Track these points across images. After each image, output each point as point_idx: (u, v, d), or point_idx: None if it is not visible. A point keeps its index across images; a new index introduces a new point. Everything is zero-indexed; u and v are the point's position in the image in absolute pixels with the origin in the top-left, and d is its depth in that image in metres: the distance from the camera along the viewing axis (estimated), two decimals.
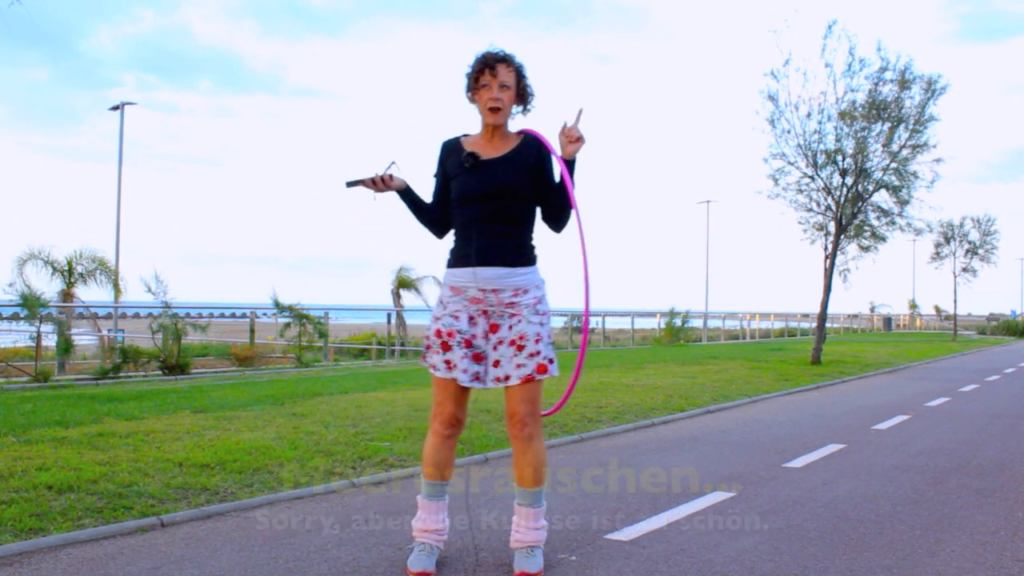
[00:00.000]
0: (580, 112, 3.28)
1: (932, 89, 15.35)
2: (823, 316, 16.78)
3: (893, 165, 15.72)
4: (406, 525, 3.94)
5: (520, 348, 3.21)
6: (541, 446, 3.34)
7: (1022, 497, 4.86)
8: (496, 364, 3.24)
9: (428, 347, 3.33)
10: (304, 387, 9.00)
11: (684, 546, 3.70)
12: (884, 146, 15.53)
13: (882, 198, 16.35)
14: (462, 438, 5.99)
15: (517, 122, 3.42)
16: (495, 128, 3.32)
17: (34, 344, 11.76)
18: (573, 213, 3.31)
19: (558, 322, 23.97)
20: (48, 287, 17.27)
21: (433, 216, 3.45)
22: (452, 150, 3.38)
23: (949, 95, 15.68)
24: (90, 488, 4.24)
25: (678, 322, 25.79)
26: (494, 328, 3.26)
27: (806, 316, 38.74)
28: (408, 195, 3.42)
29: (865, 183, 15.79)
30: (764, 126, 15.88)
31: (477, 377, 3.26)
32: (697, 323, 29.81)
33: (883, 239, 16.71)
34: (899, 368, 16.34)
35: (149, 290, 12.21)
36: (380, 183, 3.33)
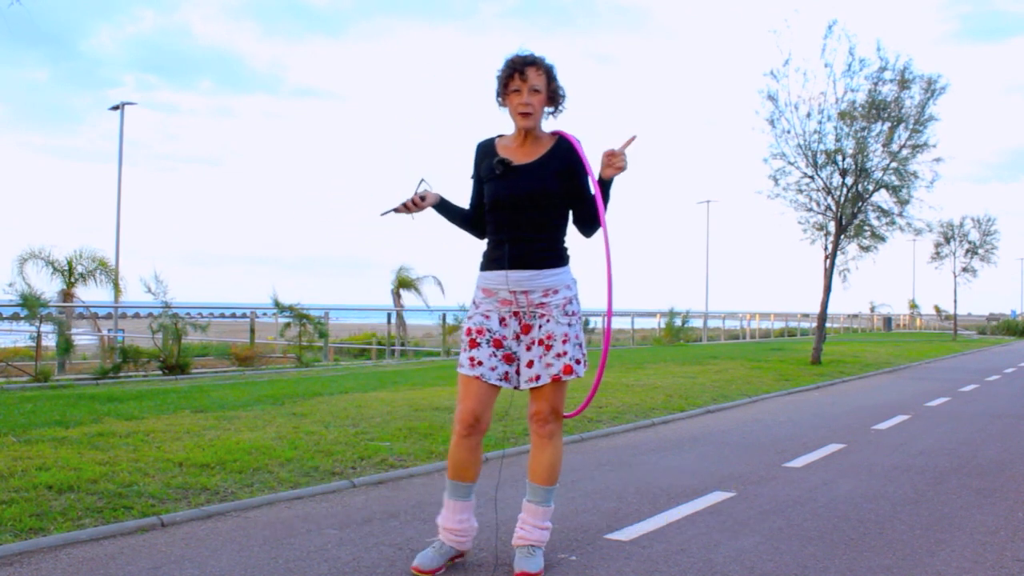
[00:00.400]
0: (632, 139, 3.22)
1: (932, 89, 15.35)
2: (823, 316, 16.78)
3: (893, 165, 15.72)
4: (406, 525, 3.95)
5: (548, 348, 3.24)
6: (559, 446, 3.36)
7: (1022, 497, 4.86)
8: (529, 365, 3.28)
9: (461, 349, 3.38)
10: (304, 387, 9.00)
11: (684, 546, 3.70)
12: (884, 146, 15.53)
13: (882, 198, 16.36)
14: None
15: (550, 123, 3.40)
16: (527, 132, 3.31)
17: (34, 344, 11.76)
18: (600, 225, 3.28)
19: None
20: (48, 287, 17.32)
21: (472, 220, 3.46)
22: (486, 153, 3.39)
23: (949, 95, 15.68)
24: (90, 488, 4.24)
25: (678, 322, 25.79)
26: (526, 329, 3.29)
27: (806, 316, 38.74)
28: (444, 207, 3.42)
29: (865, 183, 15.78)
30: (764, 126, 15.89)
31: (506, 377, 3.29)
32: (697, 323, 29.81)
33: (883, 239, 16.71)
34: (899, 368, 16.34)
35: (149, 290, 12.22)
36: (412, 206, 3.31)
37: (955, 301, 36.70)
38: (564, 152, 3.30)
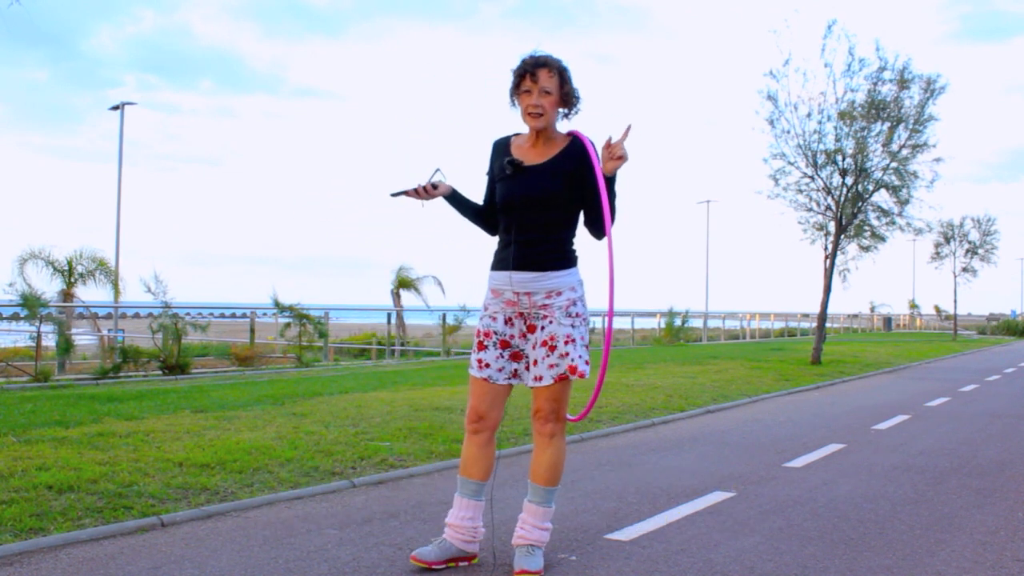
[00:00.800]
0: (628, 129, 3.21)
1: (931, 89, 15.36)
2: (823, 316, 16.78)
3: (893, 165, 15.72)
4: (406, 525, 3.95)
5: (551, 349, 3.26)
6: (561, 447, 3.37)
7: (1022, 497, 4.86)
8: (534, 364, 3.30)
9: (472, 350, 3.44)
10: (304, 387, 9.00)
11: (684, 546, 3.70)
12: (884, 146, 15.53)
13: (882, 198, 16.37)
14: (460, 437, 5.99)
15: (565, 124, 3.39)
16: (539, 132, 3.31)
17: (34, 344, 11.76)
18: (612, 224, 3.27)
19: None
20: (48, 287, 17.35)
21: (484, 215, 3.47)
22: (500, 151, 3.40)
23: (949, 95, 15.69)
24: (90, 488, 4.24)
25: (678, 322, 25.78)
26: (531, 329, 3.32)
27: (806, 316, 38.73)
28: (455, 199, 3.43)
29: (865, 183, 15.79)
30: (764, 126, 15.89)
31: (514, 374, 3.34)
32: (697, 323, 29.81)
33: (883, 239, 16.71)
34: (899, 368, 16.34)
35: (149, 290, 12.21)
36: (423, 192, 3.33)
37: (955, 301, 36.73)
38: (577, 153, 3.28)
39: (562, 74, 3.25)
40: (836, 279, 16.56)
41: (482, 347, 3.35)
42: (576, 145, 3.30)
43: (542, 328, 3.28)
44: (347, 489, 4.63)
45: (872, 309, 52.91)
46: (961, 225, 34.41)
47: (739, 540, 3.81)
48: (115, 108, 26.00)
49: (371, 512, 4.16)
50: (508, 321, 3.34)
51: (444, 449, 5.67)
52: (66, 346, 12.43)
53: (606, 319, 3.43)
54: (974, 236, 34.45)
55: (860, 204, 15.97)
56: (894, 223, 16.48)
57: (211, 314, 21.22)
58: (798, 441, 6.73)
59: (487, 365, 3.32)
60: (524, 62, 3.26)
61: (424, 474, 5.08)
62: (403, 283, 25.54)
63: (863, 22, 65.96)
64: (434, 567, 3.31)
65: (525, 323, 3.33)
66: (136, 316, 22.68)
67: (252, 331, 16.50)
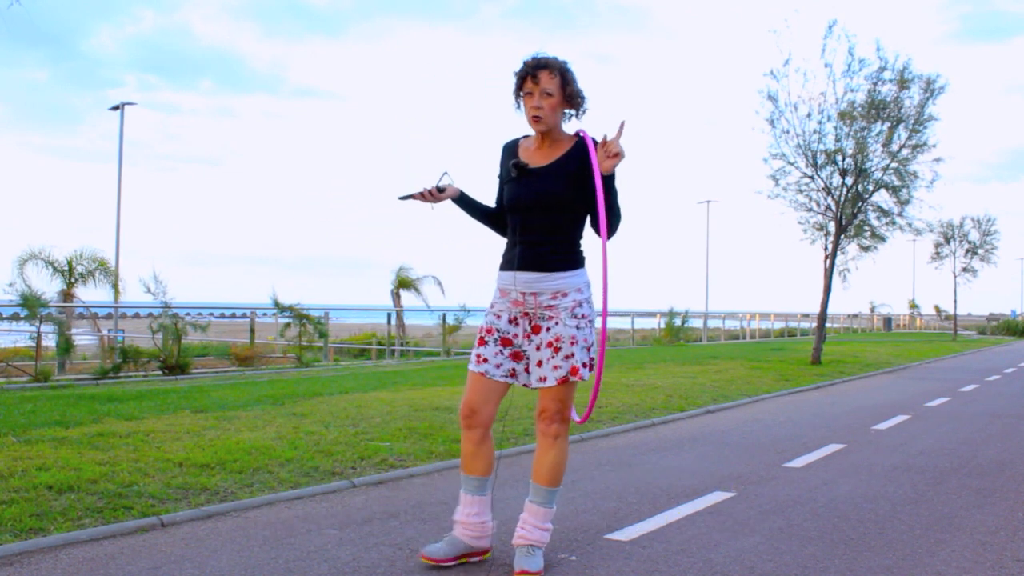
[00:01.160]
0: (622, 125, 3.19)
1: (931, 89, 15.36)
2: (823, 316, 16.78)
3: (893, 165, 15.72)
4: (406, 525, 3.95)
5: (556, 350, 3.26)
6: (564, 448, 3.37)
7: (1022, 497, 4.86)
8: (538, 365, 3.31)
9: (473, 347, 3.45)
10: (304, 387, 9.00)
11: (684, 546, 3.70)
12: (884, 146, 15.53)
13: (882, 198, 16.37)
14: (458, 436, 6.00)
15: (574, 124, 3.39)
16: (544, 134, 3.32)
17: (34, 344, 11.76)
18: (618, 224, 3.30)
19: None
20: (48, 287, 17.33)
21: (494, 217, 3.49)
22: (508, 154, 3.42)
23: (949, 95, 15.70)
24: (90, 488, 4.24)
25: (678, 322, 25.78)
26: (536, 330, 3.32)
27: (806, 316, 38.73)
28: (463, 201, 3.45)
29: (865, 183, 15.79)
30: (764, 126, 15.89)
31: (512, 374, 3.35)
32: (697, 323, 29.81)
33: (883, 239, 16.71)
34: (899, 368, 16.34)
35: (149, 290, 12.21)
36: (431, 195, 3.34)
37: (955, 301, 36.73)
38: (581, 154, 3.28)
39: (564, 75, 3.24)
40: (836, 279, 16.58)
41: (483, 343, 3.36)
42: (581, 146, 3.30)
43: (547, 329, 3.29)
44: (347, 489, 4.63)
45: (872, 309, 52.92)
46: (961, 225, 34.43)
47: (739, 540, 3.81)
48: (115, 108, 26.01)
49: (371, 512, 4.16)
50: (513, 320, 3.35)
51: (444, 449, 5.67)
52: (66, 346, 12.43)
53: (599, 319, 3.44)
54: (974, 236, 34.48)
55: (860, 204, 15.97)
56: (894, 223, 16.48)
57: (211, 314, 21.23)
58: (798, 441, 6.73)
59: (485, 360, 3.33)
60: (525, 64, 3.25)
61: (424, 474, 5.08)
62: (403, 283, 25.53)
63: (863, 22, 65.99)
64: (444, 564, 3.31)
65: (530, 323, 3.33)
66: (136, 316, 22.69)
67: (252, 331, 16.50)
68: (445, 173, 3.36)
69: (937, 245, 34.89)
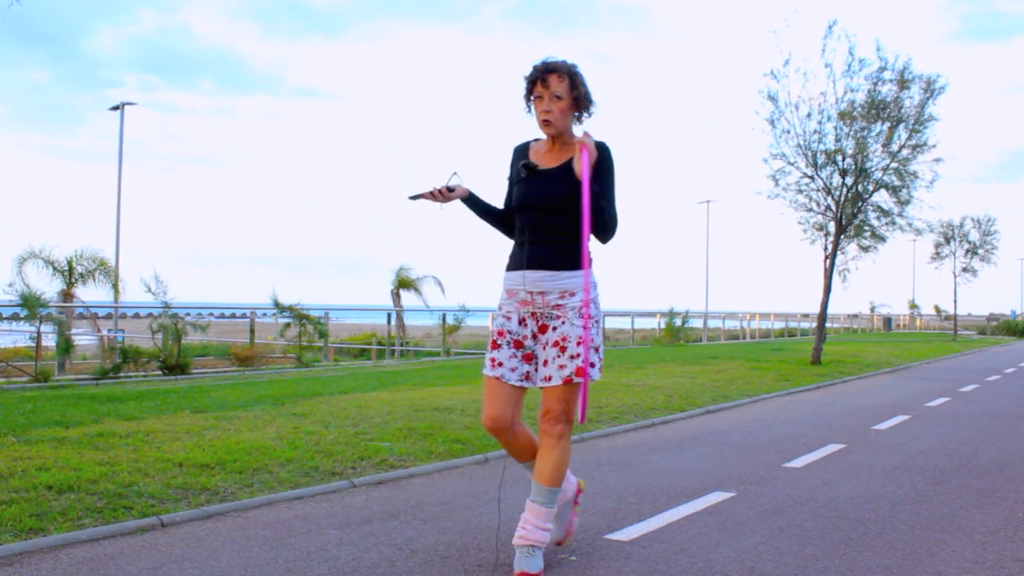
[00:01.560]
0: (584, 135, 3.24)
1: (931, 89, 15.35)
2: (823, 316, 16.78)
3: (893, 165, 15.72)
4: (406, 525, 3.95)
5: (563, 350, 3.29)
6: (567, 448, 3.38)
7: (1022, 497, 4.86)
8: (544, 364, 3.33)
9: (486, 350, 3.49)
10: (304, 387, 9.00)
11: (684, 546, 3.70)
12: (884, 146, 15.53)
13: (882, 198, 16.35)
14: (460, 437, 6.02)
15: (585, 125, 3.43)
16: (555, 137, 3.37)
17: (34, 344, 11.76)
18: (613, 229, 3.36)
19: None
20: (48, 287, 17.30)
21: (502, 218, 3.52)
22: (519, 156, 3.47)
23: (949, 95, 15.69)
24: (90, 488, 4.24)
25: (678, 322, 25.76)
26: (543, 329, 3.35)
27: (806, 316, 38.72)
28: (472, 201, 3.48)
29: (865, 183, 15.78)
30: (764, 126, 15.87)
31: (527, 376, 3.37)
32: (697, 323, 29.80)
33: (883, 239, 16.71)
34: (899, 368, 16.34)
35: (149, 290, 12.20)
36: (440, 195, 3.38)
37: (955, 301, 36.72)
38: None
39: (573, 79, 3.29)
40: (836, 279, 16.57)
41: (496, 346, 3.39)
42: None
43: (554, 328, 3.32)
44: (347, 489, 4.63)
45: (872, 309, 52.91)
46: (961, 225, 34.41)
47: (739, 540, 3.81)
48: (115, 108, 25.99)
49: (371, 512, 4.16)
50: (521, 321, 3.38)
51: (444, 449, 5.68)
52: (66, 346, 12.43)
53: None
54: (974, 236, 34.45)
55: (860, 204, 15.97)
56: (894, 223, 16.48)
57: (211, 314, 21.22)
58: (798, 441, 6.73)
59: (500, 364, 3.35)
60: (535, 68, 3.31)
61: (424, 474, 5.08)
62: (403, 283, 25.51)
63: (863, 22, 65.99)
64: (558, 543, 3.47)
65: (537, 323, 3.36)
66: (136, 316, 22.69)
67: (252, 331, 16.50)
68: (455, 173, 3.41)
69: (937, 245, 34.89)
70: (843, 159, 15.58)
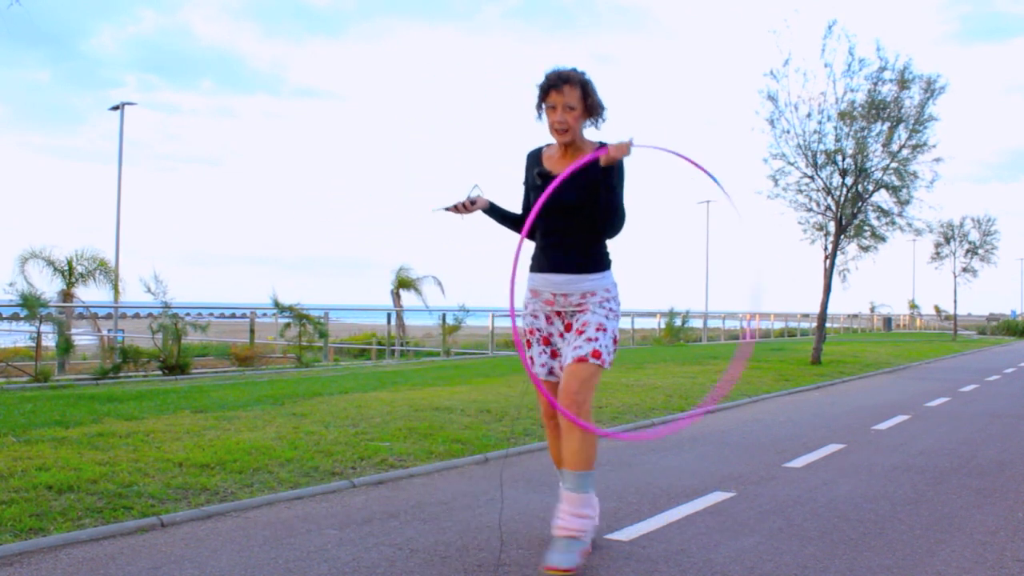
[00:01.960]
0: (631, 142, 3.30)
1: (931, 89, 15.35)
2: (823, 316, 16.78)
3: (893, 165, 15.71)
4: (406, 525, 3.94)
5: (580, 333, 3.40)
6: (588, 431, 3.38)
7: (1022, 497, 4.86)
8: (566, 352, 3.45)
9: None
10: (304, 387, 9.00)
11: (684, 546, 3.70)
12: (884, 146, 15.52)
13: (882, 198, 16.35)
14: (460, 437, 6.02)
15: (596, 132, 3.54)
16: (567, 144, 3.45)
17: (34, 344, 11.76)
18: (621, 224, 3.48)
19: None
20: (48, 287, 17.30)
21: (521, 223, 3.60)
22: (532, 162, 3.60)
23: (949, 95, 15.68)
24: (90, 488, 4.24)
25: (678, 322, 25.78)
26: (568, 327, 3.49)
27: (806, 316, 38.73)
28: (493, 211, 3.59)
29: (865, 183, 15.78)
30: (764, 126, 15.88)
31: (552, 372, 3.52)
32: (697, 323, 29.80)
33: (883, 239, 16.70)
34: (899, 368, 16.34)
35: (149, 290, 12.20)
36: (463, 208, 3.49)
37: (955, 301, 36.72)
38: (599, 163, 3.38)
39: (584, 87, 3.39)
40: (836, 279, 16.57)
41: (529, 345, 3.55)
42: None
43: (576, 318, 3.45)
44: (347, 489, 4.63)
45: (872, 309, 52.92)
46: (961, 225, 34.42)
47: (739, 540, 3.81)
48: (115, 108, 26.01)
49: (371, 512, 4.16)
50: (548, 319, 3.53)
51: (444, 449, 5.67)
52: (66, 346, 12.42)
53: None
54: (974, 236, 34.47)
55: (860, 204, 15.97)
56: (894, 223, 16.48)
57: (211, 314, 21.26)
58: (798, 441, 6.73)
59: (542, 364, 3.52)
60: (547, 78, 3.39)
61: (424, 474, 5.08)
62: (403, 283, 25.50)
63: (863, 22, 65.95)
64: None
65: (563, 322, 3.49)
66: (136, 316, 22.70)
67: (252, 331, 16.50)
68: (476, 186, 3.54)
69: (937, 245, 34.89)
70: (843, 159, 15.58)
